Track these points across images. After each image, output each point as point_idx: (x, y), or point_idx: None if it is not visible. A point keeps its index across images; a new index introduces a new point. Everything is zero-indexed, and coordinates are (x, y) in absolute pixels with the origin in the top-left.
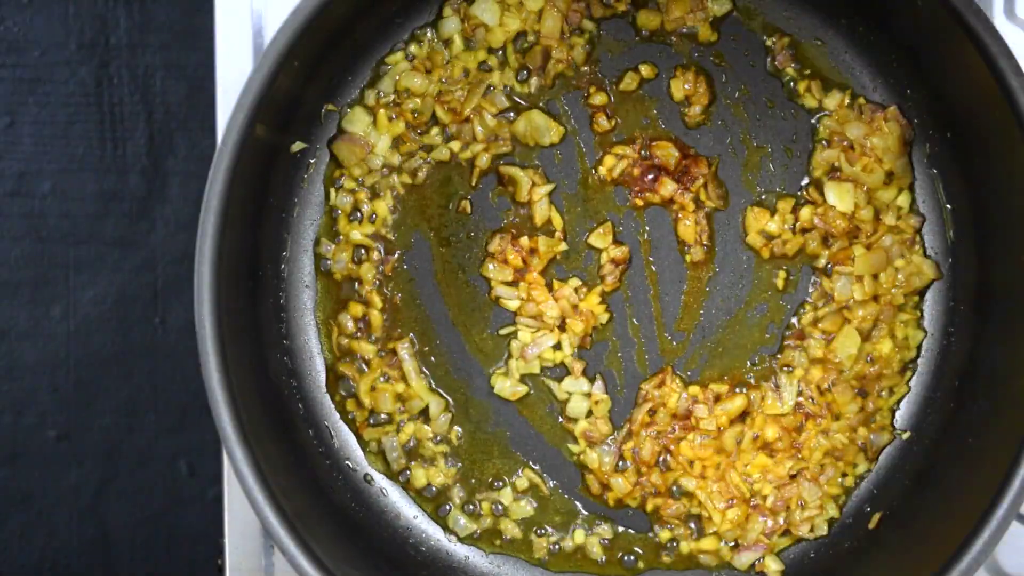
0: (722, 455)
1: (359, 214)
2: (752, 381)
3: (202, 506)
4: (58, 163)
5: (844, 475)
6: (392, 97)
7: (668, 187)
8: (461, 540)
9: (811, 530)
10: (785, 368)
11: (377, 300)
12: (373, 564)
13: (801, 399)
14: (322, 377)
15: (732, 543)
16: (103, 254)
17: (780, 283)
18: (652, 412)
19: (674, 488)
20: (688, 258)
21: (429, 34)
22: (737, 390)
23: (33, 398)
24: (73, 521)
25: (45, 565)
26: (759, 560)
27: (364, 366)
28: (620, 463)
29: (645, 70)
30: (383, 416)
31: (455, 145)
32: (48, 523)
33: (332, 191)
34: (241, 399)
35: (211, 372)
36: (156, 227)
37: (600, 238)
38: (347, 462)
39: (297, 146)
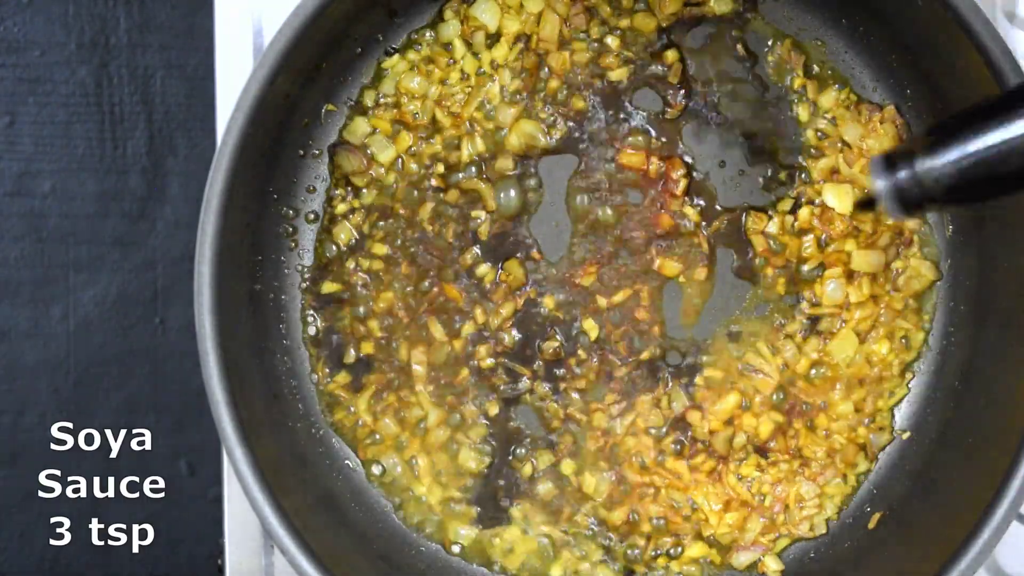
0: (715, 457)
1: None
2: (748, 383)
3: (202, 506)
4: (58, 163)
5: (844, 475)
6: (392, 99)
7: (632, 196)
8: (460, 553)
9: (810, 529)
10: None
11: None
12: (373, 564)
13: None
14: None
15: (730, 544)
16: (103, 254)
17: (779, 286)
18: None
19: (673, 503)
20: (688, 265)
21: (428, 36)
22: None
23: (33, 398)
24: (73, 521)
25: (45, 565)
26: (759, 560)
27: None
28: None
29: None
30: (384, 434)
31: (440, 169)
32: (48, 523)
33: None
34: (241, 399)
35: (211, 372)
36: (156, 227)
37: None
38: (347, 462)
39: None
